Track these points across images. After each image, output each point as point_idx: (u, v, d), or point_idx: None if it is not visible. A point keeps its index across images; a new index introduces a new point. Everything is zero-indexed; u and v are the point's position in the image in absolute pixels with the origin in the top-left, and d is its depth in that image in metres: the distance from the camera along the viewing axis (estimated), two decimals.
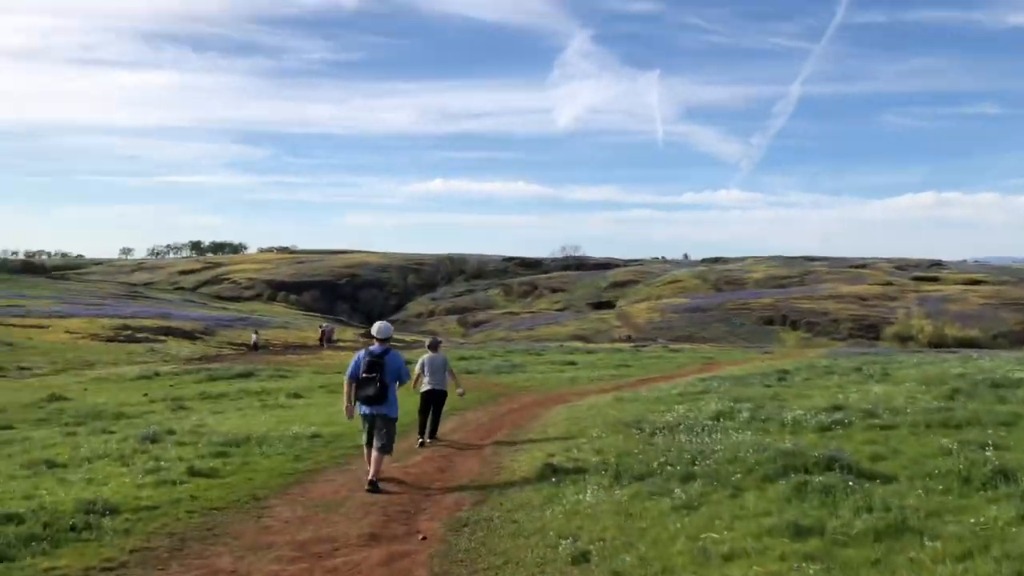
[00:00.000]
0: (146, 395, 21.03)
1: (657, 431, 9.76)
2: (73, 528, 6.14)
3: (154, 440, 11.30)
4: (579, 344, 58.58)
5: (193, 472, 8.68)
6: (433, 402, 11.44)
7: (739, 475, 6.90)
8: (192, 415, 15.94)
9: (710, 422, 10.31)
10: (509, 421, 13.62)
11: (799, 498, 6.08)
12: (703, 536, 5.23)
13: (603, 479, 7.33)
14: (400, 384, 8.55)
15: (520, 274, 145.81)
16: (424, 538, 6.20)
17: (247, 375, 25.87)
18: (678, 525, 5.53)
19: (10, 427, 15.09)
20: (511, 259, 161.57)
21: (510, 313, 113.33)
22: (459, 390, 11.98)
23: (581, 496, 6.74)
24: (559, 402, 16.61)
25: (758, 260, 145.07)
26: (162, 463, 9.15)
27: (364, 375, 8.31)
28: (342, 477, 8.64)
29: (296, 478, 8.54)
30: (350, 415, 8.62)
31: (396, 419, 8.56)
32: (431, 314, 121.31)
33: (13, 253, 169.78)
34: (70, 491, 7.87)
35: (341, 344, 47.54)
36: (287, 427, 12.35)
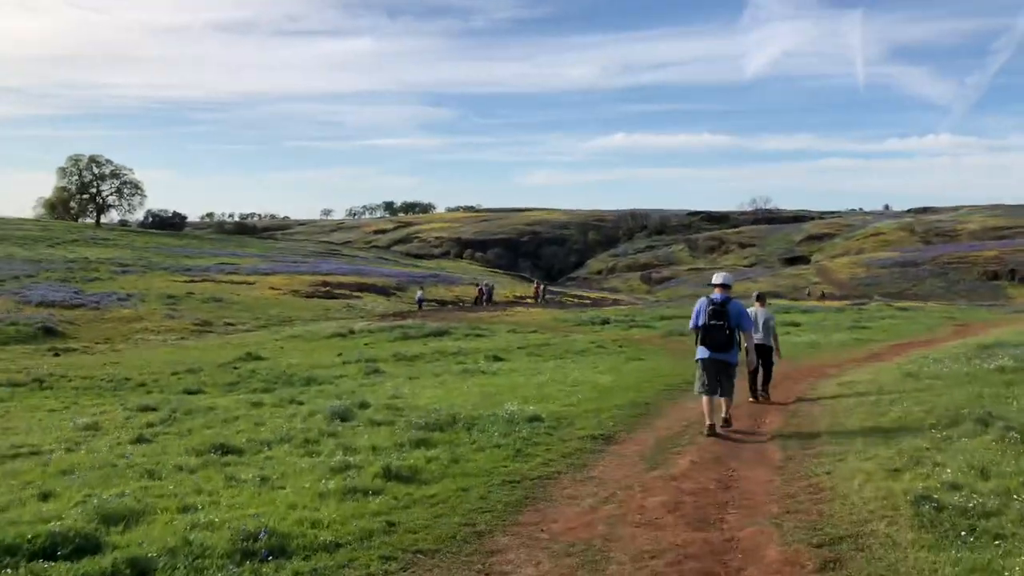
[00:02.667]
0: (340, 355, 19.91)
1: None
2: None
3: (344, 418, 9.44)
4: (783, 302, 53.52)
5: (389, 474, 6.52)
6: (760, 357, 10.66)
7: None
8: (387, 381, 14.25)
9: None
10: (770, 399, 10.64)
11: None
12: None
13: None
14: (742, 332, 8.73)
15: (705, 229, 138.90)
16: None
17: (441, 334, 24.39)
18: None
19: (200, 391, 14.09)
20: (696, 213, 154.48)
21: (695, 269, 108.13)
22: (775, 355, 11.35)
23: None
24: (817, 375, 13.31)
25: (974, 209, 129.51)
26: (351, 458, 7.10)
27: (711, 323, 8.51)
28: (588, 493, 6.10)
29: (525, 492, 6.11)
30: None
31: (737, 364, 8.80)
32: (612, 271, 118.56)
33: (229, 216, 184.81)
34: (234, 500, 5.92)
35: (528, 301, 45.85)
36: (497, 403, 10.10)
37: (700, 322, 8.63)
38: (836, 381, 12.22)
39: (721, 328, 8.46)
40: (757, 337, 10.90)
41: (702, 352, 8.61)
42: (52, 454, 8.45)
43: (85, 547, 4.59)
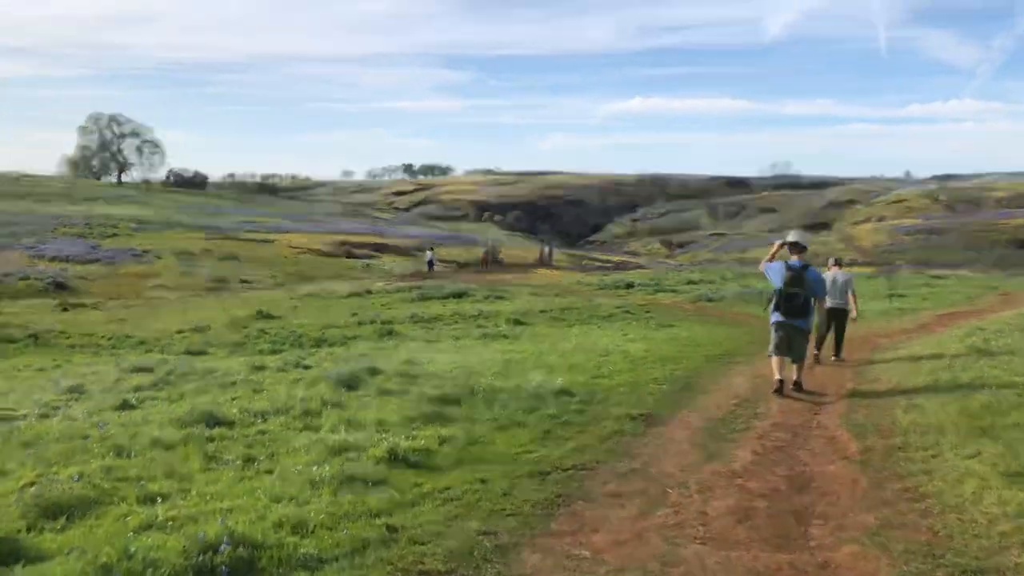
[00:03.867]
0: (355, 315, 19.03)
1: None
2: None
3: (351, 386, 8.46)
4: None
5: (395, 458, 5.52)
6: (833, 320, 10.96)
7: None
8: (402, 345, 13.28)
9: None
10: (823, 375, 9.51)
11: None
12: None
13: None
14: (817, 299, 8.67)
15: (726, 194, 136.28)
16: None
17: (460, 295, 23.38)
18: None
19: (203, 352, 13.19)
20: (716, 178, 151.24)
21: (717, 234, 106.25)
22: (852, 314, 11.35)
23: None
24: (870, 346, 12.14)
25: (1001, 176, 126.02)
26: (353, 436, 6.09)
27: (789, 290, 8.43)
28: (635, 491, 5.03)
29: (557, 487, 5.05)
30: None
31: (810, 331, 8.83)
32: (631, 235, 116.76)
33: (251, 176, 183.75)
34: (208, 489, 4.94)
35: (552, 264, 44.74)
36: (520, 372, 9.09)
37: (776, 286, 8.57)
38: (893, 354, 11.05)
39: (797, 296, 8.41)
40: (832, 301, 10.73)
41: (776, 316, 8.59)
42: (23, 420, 7.54)
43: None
